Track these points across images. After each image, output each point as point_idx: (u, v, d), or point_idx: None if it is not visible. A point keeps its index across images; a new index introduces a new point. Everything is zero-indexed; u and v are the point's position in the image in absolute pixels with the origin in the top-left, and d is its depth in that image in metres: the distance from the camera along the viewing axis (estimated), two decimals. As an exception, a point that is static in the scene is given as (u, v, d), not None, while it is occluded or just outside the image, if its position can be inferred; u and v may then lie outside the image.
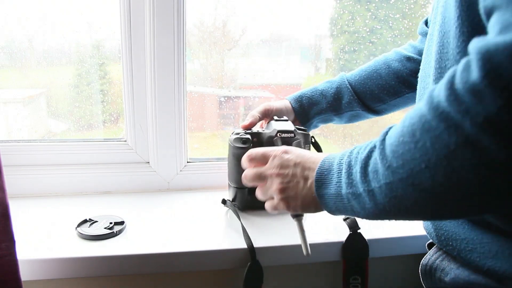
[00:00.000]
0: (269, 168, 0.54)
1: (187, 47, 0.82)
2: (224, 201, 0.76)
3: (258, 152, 0.57)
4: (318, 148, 0.78)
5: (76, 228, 0.66)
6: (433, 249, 0.57)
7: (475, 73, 0.31)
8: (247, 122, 0.73)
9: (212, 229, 0.71)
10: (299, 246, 0.65)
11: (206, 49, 0.94)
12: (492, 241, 0.46)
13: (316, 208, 0.51)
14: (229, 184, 0.77)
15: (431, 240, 0.60)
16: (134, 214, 0.74)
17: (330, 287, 0.79)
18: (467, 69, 0.32)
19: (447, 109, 0.33)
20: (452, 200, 0.35)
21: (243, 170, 0.68)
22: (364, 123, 1.05)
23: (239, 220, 0.69)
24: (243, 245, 0.64)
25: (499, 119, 0.30)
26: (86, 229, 0.66)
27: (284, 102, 0.78)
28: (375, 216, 0.43)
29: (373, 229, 0.70)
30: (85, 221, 0.69)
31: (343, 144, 1.05)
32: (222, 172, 0.86)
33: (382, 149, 0.40)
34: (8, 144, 0.82)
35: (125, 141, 0.87)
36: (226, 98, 0.99)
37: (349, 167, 0.45)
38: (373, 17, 1.00)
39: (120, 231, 0.67)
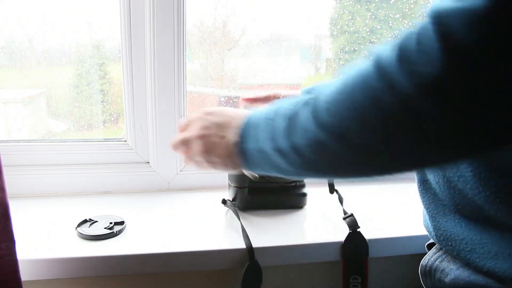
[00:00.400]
0: (192, 131, 0.54)
1: (187, 47, 0.82)
2: (224, 201, 0.76)
3: (184, 119, 0.57)
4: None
5: (76, 228, 0.66)
6: (433, 249, 0.57)
7: (429, 36, 0.31)
8: (249, 96, 0.71)
9: (211, 229, 0.71)
10: (298, 247, 0.65)
11: (206, 49, 0.94)
12: (491, 241, 0.46)
13: (236, 166, 0.51)
14: (229, 184, 0.77)
15: (430, 241, 0.60)
16: (134, 214, 0.74)
17: (330, 287, 0.79)
18: (422, 32, 0.31)
19: (392, 69, 0.32)
20: (381, 158, 0.36)
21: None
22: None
23: (239, 220, 0.69)
24: (242, 245, 0.64)
25: (443, 85, 0.30)
26: (86, 229, 0.66)
27: (295, 92, 0.77)
28: (299, 173, 0.43)
29: (373, 229, 0.70)
30: (85, 221, 0.69)
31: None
32: (222, 172, 0.86)
33: (315, 106, 0.39)
34: (8, 144, 0.82)
35: (125, 141, 0.87)
36: (226, 98, 0.99)
37: (275, 122, 0.44)
38: (373, 17, 1.00)
39: (120, 231, 0.67)
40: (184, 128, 0.57)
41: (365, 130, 0.35)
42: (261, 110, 0.48)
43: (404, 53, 0.32)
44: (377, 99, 0.33)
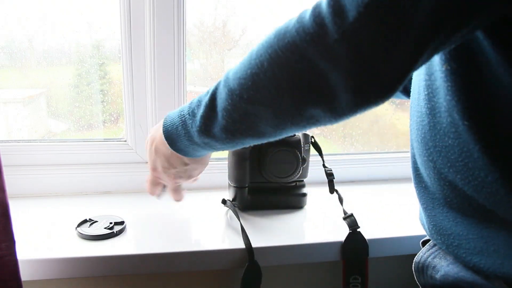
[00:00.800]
0: (167, 183, 0.65)
1: (187, 47, 0.82)
2: (224, 201, 0.76)
3: (148, 177, 0.66)
4: (318, 149, 0.78)
5: (76, 228, 0.66)
6: (426, 246, 0.57)
7: (323, 6, 0.37)
8: None
9: (211, 229, 0.71)
10: (298, 247, 0.66)
11: (206, 49, 0.94)
12: (477, 236, 0.46)
13: (204, 164, 0.62)
14: (229, 184, 0.77)
15: (425, 238, 0.60)
16: (134, 214, 0.74)
17: (330, 287, 0.80)
18: (320, 4, 0.37)
19: (293, 38, 0.38)
20: (287, 107, 0.42)
21: (243, 170, 0.74)
22: (364, 123, 1.05)
23: (239, 220, 0.69)
24: (242, 245, 0.64)
25: (335, 50, 0.36)
26: (86, 229, 0.66)
27: None
28: (233, 140, 0.49)
29: (373, 229, 0.70)
30: (85, 221, 0.69)
31: (343, 144, 1.05)
32: (222, 172, 0.86)
33: (228, 86, 0.44)
34: (8, 144, 0.82)
35: (125, 141, 0.87)
36: (226, 98, 0.99)
37: (193, 116, 0.50)
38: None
39: (120, 231, 0.67)
40: (159, 181, 0.66)
41: (279, 94, 0.40)
42: (175, 110, 0.55)
43: (301, 24, 0.38)
44: (284, 65, 0.39)
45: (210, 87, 0.49)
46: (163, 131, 0.55)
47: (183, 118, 0.52)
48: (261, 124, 0.45)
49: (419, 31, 0.35)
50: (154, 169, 0.62)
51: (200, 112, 0.49)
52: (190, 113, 0.51)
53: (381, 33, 0.35)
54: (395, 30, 0.35)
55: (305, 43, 0.38)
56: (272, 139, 0.48)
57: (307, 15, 0.38)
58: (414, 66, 0.37)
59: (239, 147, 0.51)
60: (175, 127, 0.53)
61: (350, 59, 0.36)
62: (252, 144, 0.50)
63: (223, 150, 0.54)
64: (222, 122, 0.47)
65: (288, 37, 0.39)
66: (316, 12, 0.37)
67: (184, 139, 0.53)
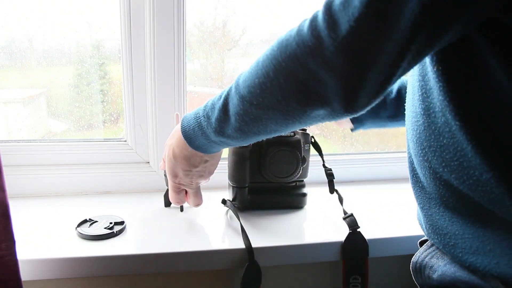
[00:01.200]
0: (187, 186, 0.67)
1: (187, 47, 0.82)
2: (224, 201, 0.76)
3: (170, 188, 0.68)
4: (318, 149, 0.78)
5: (76, 228, 0.66)
6: (424, 246, 0.57)
7: (319, 20, 0.40)
8: None
9: (211, 229, 0.71)
10: (298, 247, 0.66)
11: (206, 49, 0.94)
12: (473, 236, 0.46)
13: (219, 157, 0.65)
14: (229, 184, 0.77)
15: (423, 238, 0.60)
16: (134, 214, 0.74)
17: (330, 287, 0.80)
18: (316, 18, 0.40)
19: (294, 51, 0.41)
20: (292, 119, 0.47)
21: (243, 170, 0.74)
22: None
23: (239, 220, 0.69)
24: (242, 245, 0.64)
25: (332, 60, 0.39)
26: (86, 229, 0.66)
27: None
28: (247, 138, 0.53)
29: (373, 229, 0.70)
30: (85, 221, 0.69)
31: (343, 144, 1.05)
32: (222, 172, 0.86)
33: (239, 93, 0.49)
34: (8, 144, 0.82)
35: (125, 141, 0.87)
36: (226, 98, 0.99)
37: (208, 118, 0.54)
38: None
39: (120, 231, 0.67)
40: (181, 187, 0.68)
41: (284, 100, 0.44)
42: (191, 112, 0.59)
43: (301, 37, 0.41)
44: (288, 75, 0.43)
45: (222, 91, 0.53)
46: (182, 132, 0.59)
47: (199, 121, 0.56)
48: (272, 124, 0.49)
49: (401, 39, 0.38)
50: (175, 176, 0.64)
51: (214, 115, 0.53)
52: (205, 116, 0.55)
53: (370, 43, 0.38)
54: (381, 39, 0.38)
55: (305, 55, 0.41)
56: (283, 133, 0.53)
57: (305, 28, 0.41)
58: (398, 70, 0.40)
59: (252, 142, 0.56)
60: (191, 128, 0.58)
61: (345, 67, 0.39)
62: (264, 139, 0.55)
63: (237, 146, 0.61)
64: (235, 125, 0.51)
65: (289, 50, 0.42)
66: (313, 26, 0.40)
67: (202, 138, 0.57)
